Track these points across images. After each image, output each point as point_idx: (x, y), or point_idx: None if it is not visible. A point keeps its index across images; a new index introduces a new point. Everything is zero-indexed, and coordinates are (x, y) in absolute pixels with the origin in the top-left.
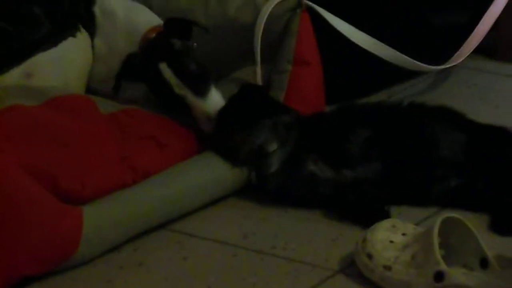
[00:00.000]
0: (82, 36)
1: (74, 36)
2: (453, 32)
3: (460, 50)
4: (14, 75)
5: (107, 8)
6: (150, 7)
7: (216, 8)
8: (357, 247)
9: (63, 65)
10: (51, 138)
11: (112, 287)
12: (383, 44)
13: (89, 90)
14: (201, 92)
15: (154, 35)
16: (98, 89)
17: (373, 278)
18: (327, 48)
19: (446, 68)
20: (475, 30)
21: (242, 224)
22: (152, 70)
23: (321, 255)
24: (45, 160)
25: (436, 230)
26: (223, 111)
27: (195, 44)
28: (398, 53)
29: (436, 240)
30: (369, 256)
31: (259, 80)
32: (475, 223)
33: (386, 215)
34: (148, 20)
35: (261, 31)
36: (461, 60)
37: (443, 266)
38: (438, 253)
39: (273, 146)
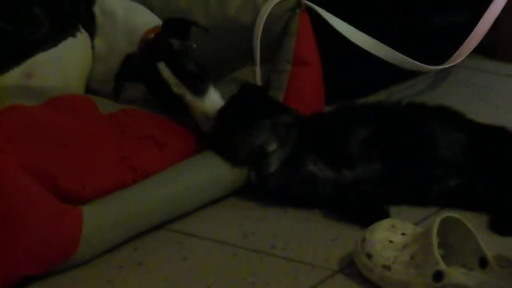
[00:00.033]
0: (82, 36)
1: (74, 36)
2: (453, 32)
3: (459, 50)
4: (14, 75)
5: (107, 8)
6: (150, 7)
7: (216, 8)
8: (356, 247)
9: (63, 65)
10: (51, 138)
11: (112, 287)
12: (382, 44)
13: (89, 90)
14: (200, 91)
15: (153, 35)
16: (98, 89)
17: (372, 278)
18: (327, 48)
19: (445, 68)
20: (475, 30)
21: (242, 224)
22: (151, 70)
23: (321, 255)
24: (45, 160)
25: (435, 230)
26: (223, 111)
27: (194, 44)
28: (397, 53)
29: (435, 240)
30: (369, 256)
31: (258, 80)
32: (474, 223)
33: (386, 215)
34: (148, 20)
35: (260, 31)
36: (461, 60)
37: (442, 266)
38: (437, 253)
39: (272, 146)
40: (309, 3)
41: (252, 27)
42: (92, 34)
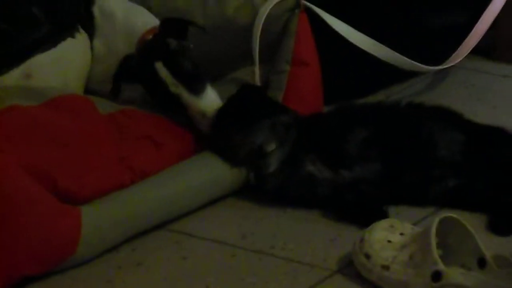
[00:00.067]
0: (81, 37)
1: (73, 37)
2: (451, 32)
3: (458, 50)
4: (14, 76)
5: (106, 9)
6: (149, 8)
7: (214, 9)
8: (355, 247)
9: (62, 65)
10: (50, 138)
11: (111, 287)
12: (381, 44)
13: (88, 90)
14: (197, 90)
15: (151, 36)
16: (97, 89)
17: (371, 278)
18: (325, 49)
19: (444, 69)
20: (473, 30)
21: (241, 224)
22: (148, 70)
23: (320, 255)
24: (44, 160)
25: (433, 230)
26: (222, 111)
27: (191, 44)
28: (396, 53)
29: (433, 240)
30: (367, 256)
31: (257, 81)
32: (472, 223)
33: (384, 215)
34: (146, 21)
35: (259, 31)
36: (459, 60)
37: (440, 266)
38: (435, 253)
39: (271, 146)
40: (308, 4)
41: (251, 27)
42: (91, 34)
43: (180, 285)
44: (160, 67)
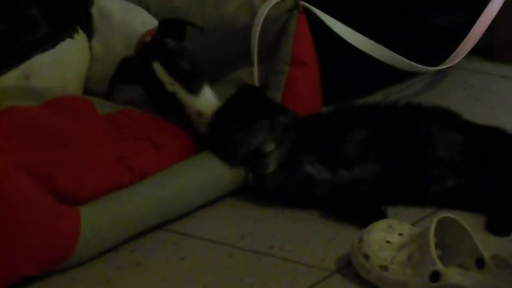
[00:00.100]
0: (80, 37)
1: (72, 37)
2: (449, 33)
3: (456, 51)
4: (13, 77)
5: (104, 9)
6: (147, 8)
7: (213, 9)
8: (353, 248)
9: (61, 66)
10: (49, 139)
11: (110, 287)
12: (379, 45)
13: (87, 91)
14: (194, 89)
15: (149, 38)
16: (96, 89)
17: (369, 278)
18: (324, 49)
19: (442, 69)
20: (471, 31)
21: (239, 225)
22: (146, 70)
23: (318, 256)
24: (44, 161)
25: (432, 230)
26: (220, 112)
27: (189, 45)
28: (394, 54)
29: (432, 240)
30: (366, 256)
31: (256, 81)
32: (471, 223)
33: (383, 216)
34: (145, 22)
35: (258, 32)
36: (457, 61)
37: (439, 266)
38: (434, 253)
39: (270, 147)
40: (307, 4)
41: (250, 28)
42: (89, 35)
43: (179, 285)
44: (157, 66)
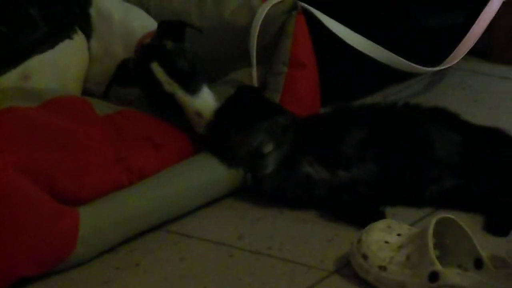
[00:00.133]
0: (79, 38)
1: (70, 38)
2: (448, 34)
3: (454, 52)
4: (11, 77)
5: (103, 10)
6: (147, 10)
7: (212, 10)
8: (352, 248)
9: (60, 67)
10: (48, 139)
11: None
12: (378, 46)
13: (85, 91)
14: (192, 89)
15: (149, 40)
16: (94, 90)
17: (368, 278)
18: (322, 50)
19: (441, 70)
20: (470, 32)
21: (238, 225)
22: (145, 71)
23: (317, 256)
24: (43, 161)
25: (430, 231)
26: (220, 112)
27: (188, 46)
28: (393, 55)
29: (430, 241)
30: (364, 256)
31: (255, 82)
32: (469, 224)
33: (381, 216)
34: (144, 24)
35: (257, 33)
36: (456, 61)
37: (437, 267)
38: (432, 253)
39: (269, 148)
40: (305, 5)
41: (248, 29)
42: (88, 35)
43: (178, 285)
44: (156, 67)
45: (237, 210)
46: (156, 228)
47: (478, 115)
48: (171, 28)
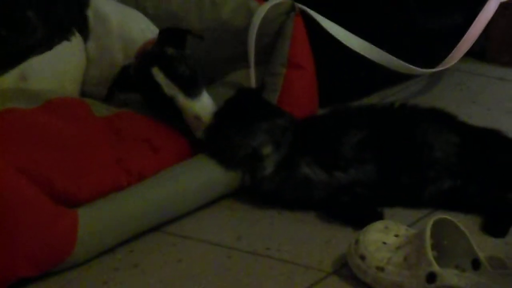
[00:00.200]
0: (77, 40)
1: (68, 40)
2: (445, 35)
3: (452, 53)
4: (9, 79)
5: (100, 12)
6: (145, 11)
7: (210, 11)
8: (350, 249)
9: (57, 68)
10: (47, 141)
11: None
12: (375, 47)
13: (83, 93)
14: (192, 93)
15: (150, 47)
16: (92, 92)
17: (366, 279)
18: (320, 51)
19: (438, 71)
20: (467, 33)
21: (236, 226)
22: (146, 76)
23: (315, 257)
24: (41, 163)
25: (428, 232)
26: (219, 114)
27: (189, 52)
28: (390, 56)
29: (428, 242)
30: (362, 257)
31: (253, 83)
32: (467, 225)
33: (379, 217)
34: (143, 28)
35: (255, 34)
36: (453, 63)
37: (435, 267)
38: (430, 254)
39: (268, 149)
40: (303, 7)
41: (246, 30)
42: (85, 37)
43: (176, 286)
44: (156, 71)
45: (236, 211)
46: (155, 229)
47: (475, 116)
48: (172, 35)
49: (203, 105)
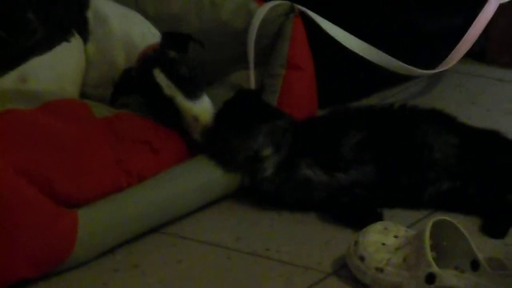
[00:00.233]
0: (76, 41)
1: (68, 41)
2: (445, 36)
3: (451, 54)
4: (9, 80)
5: (100, 13)
6: (145, 13)
7: (209, 13)
8: (349, 250)
9: (57, 70)
10: (47, 142)
11: None
12: (375, 48)
13: (83, 95)
14: (192, 95)
15: (152, 51)
16: (92, 93)
17: (365, 280)
18: (320, 53)
19: (438, 72)
20: (466, 34)
21: (236, 227)
22: (147, 77)
23: (314, 258)
24: (41, 164)
25: (427, 233)
26: (219, 116)
27: (191, 56)
28: (390, 57)
29: (427, 242)
30: (361, 258)
31: (252, 84)
32: (466, 226)
33: (379, 218)
34: (144, 32)
35: (254, 35)
36: (453, 64)
37: (434, 268)
38: (429, 255)
39: (268, 151)
40: (303, 8)
41: (246, 31)
42: (85, 39)
43: (176, 287)
44: (157, 72)
45: (235, 212)
46: (154, 230)
47: (475, 117)
48: (174, 40)
49: (203, 107)
